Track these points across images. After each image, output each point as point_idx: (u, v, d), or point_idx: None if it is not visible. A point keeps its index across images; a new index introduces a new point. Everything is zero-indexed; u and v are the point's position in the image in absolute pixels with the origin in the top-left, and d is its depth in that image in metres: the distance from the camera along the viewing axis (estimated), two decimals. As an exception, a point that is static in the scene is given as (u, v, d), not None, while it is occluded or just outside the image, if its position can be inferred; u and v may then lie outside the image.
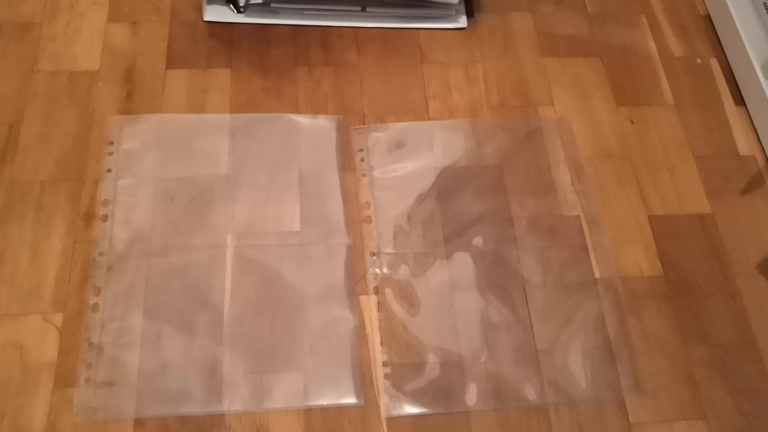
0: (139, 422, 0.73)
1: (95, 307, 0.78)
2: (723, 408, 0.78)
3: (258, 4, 1.01)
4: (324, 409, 0.75)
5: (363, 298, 0.81)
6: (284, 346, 0.78)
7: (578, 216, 0.89)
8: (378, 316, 0.80)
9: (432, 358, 0.78)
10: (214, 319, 0.78)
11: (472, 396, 0.77)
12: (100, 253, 0.81)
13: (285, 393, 0.75)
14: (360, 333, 0.79)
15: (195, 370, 0.76)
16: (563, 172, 0.92)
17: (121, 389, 0.74)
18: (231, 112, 0.92)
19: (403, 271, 0.83)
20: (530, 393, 0.77)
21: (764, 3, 1.00)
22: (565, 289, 0.84)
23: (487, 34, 1.04)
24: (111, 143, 0.88)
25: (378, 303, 0.81)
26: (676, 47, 1.05)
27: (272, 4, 1.01)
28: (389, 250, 0.85)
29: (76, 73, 0.94)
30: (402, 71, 0.99)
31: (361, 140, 0.92)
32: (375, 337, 0.79)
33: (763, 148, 0.97)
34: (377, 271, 0.83)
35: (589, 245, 0.87)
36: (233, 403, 0.74)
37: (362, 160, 0.90)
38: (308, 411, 0.75)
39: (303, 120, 0.93)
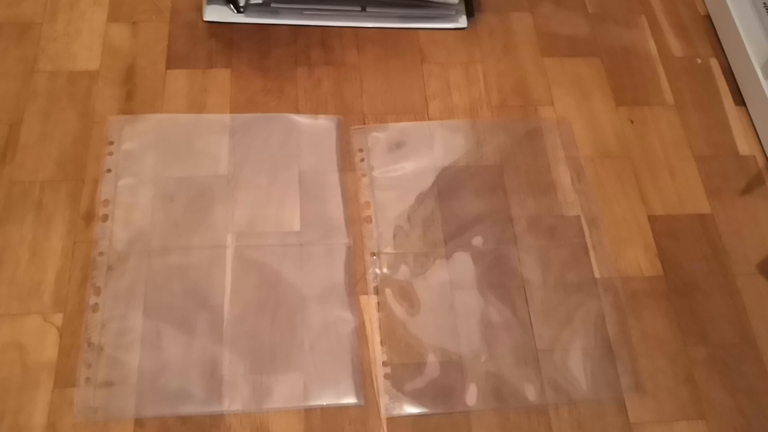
0: (139, 422, 0.73)
1: (95, 307, 0.78)
2: (723, 408, 0.78)
3: (258, 4, 1.01)
4: (324, 409, 0.75)
5: (363, 298, 0.82)
6: (284, 346, 0.78)
7: (578, 216, 0.89)
8: (378, 316, 0.81)
9: (432, 358, 0.78)
10: (214, 319, 0.78)
11: (472, 396, 0.77)
12: (100, 253, 0.81)
13: (285, 393, 0.75)
14: (360, 333, 0.79)
15: (195, 370, 0.76)
16: (563, 172, 0.92)
17: (121, 389, 0.74)
18: (231, 112, 0.92)
19: (403, 271, 0.83)
20: (530, 393, 0.77)
21: (764, 3, 1.00)
22: (565, 289, 0.84)
23: (487, 34, 1.04)
24: (111, 143, 0.89)
25: (378, 303, 0.81)
26: (676, 47, 1.05)
27: (272, 4, 1.01)
28: (389, 250, 0.85)
29: (76, 73, 0.94)
30: (402, 71, 0.99)
31: (361, 140, 0.92)
32: (375, 337, 0.79)
33: (763, 148, 0.97)
34: (377, 271, 0.83)
35: (589, 245, 0.87)
36: (233, 403, 0.74)
37: (362, 160, 0.91)
38: (308, 411, 0.75)
39: (303, 120, 0.93)
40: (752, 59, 0.98)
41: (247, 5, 1.00)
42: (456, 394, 0.77)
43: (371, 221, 0.86)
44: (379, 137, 0.92)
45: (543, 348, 0.80)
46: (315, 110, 0.94)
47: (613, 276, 0.85)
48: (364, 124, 0.94)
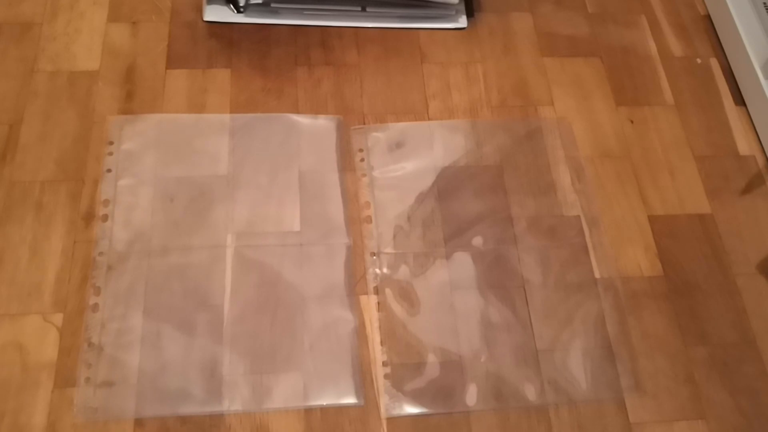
0: (139, 422, 0.73)
1: (95, 307, 0.78)
2: (723, 408, 0.78)
3: (258, 4, 1.01)
4: (324, 409, 0.75)
5: (363, 298, 0.82)
6: (284, 346, 0.78)
7: (578, 216, 0.89)
8: (378, 316, 0.80)
9: (432, 358, 0.78)
10: (214, 319, 0.78)
11: (472, 396, 0.77)
12: (100, 253, 0.81)
13: (285, 393, 0.75)
14: (360, 333, 0.79)
15: (195, 370, 0.76)
16: (563, 172, 0.92)
17: (121, 389, 0.74)
18: (231, 112, 0.92)
19: (403, 271, 0.83)
20: (530, 393, 0.77)
21: (764, 3, 1.00)
22: (565, 289, 0.84)
23: (487, 34, 1.04)
24: (111, 143, 0.89)
25: (378, 303, 0.81)
26: (676, 47, 1.05)
27: (272, 4, 1.01)
28: (389, 250, 0.85)
29: (76, 73, 0.94)
30: (402, 71, 0.99)
31: (361, 140, 0.92)
32: (375, 337, 0.79)
33: (763, 148, 0.97)
34: (377, 271, 0.83)
35: (589, 245, 0.87)
36: (233, 403, 0.74)
37: (362, 160, 0.91)
38: (308, 411, 0.75)
39: (303, 120, 0.93)
40: (752, 59, 0.98)
41: (247, 5, 1.00)
42: (456, 394, 0.77)
43: (371, 221, 0.86)
44: (379, 137, 0.92)
45: (543, 348, 0.80)
46: (315, 110, 0.94)
47: (613, 276, 0.85)
48: (364, 124, 0.94)
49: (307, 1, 1.01)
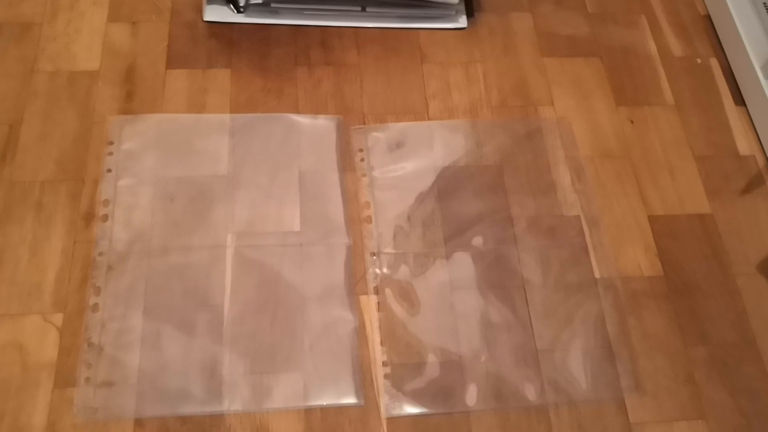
0: (139, 422, 0.73)
1: (95, 307, 0.78)
2: (723, 408, 0.78)
3: (258, 4, 1.01)
4: (324, 409, 0.75)
5: (363, 298, 0.82)
6: (284, 346, 0.78)
7: (578, 216, 0.89)
8: (378, 316, 0.81)
9: (432, 358, 0.78)
10: (214, 319, 0.78)
11: (472, 396, 0.77)
12: (100, 253, 0.81)
13: (285, 393, 0.75)
14: (360, 333, 0.79)
15: (195, 370, 0.76)
16: (563, 172, 0.92)
17: (121, 389, 0.74)
18: (231, 112, 0.92)
19: (403, 271, 0.83)
20: (530, 393, 0.77)
21: (764, 3, 1.00)
22: (565, 289, 0.84)
23: (487, 34, 1.04)
24: (111, 143, 0.89)
25: (378, 303, 0.81)
26: (676, 47, 1.05)
27: (272, 4, 1.01)
28: (389, 250, 0.85)
29: (76, 73, 0.94)
30: (402, 71, 0.99)
31: (361, 140, 0.92)
32: (375, 337, 0.79)
33: (763, 148, 0.97)
34: (377, 271, 0.83)
35: (589, 245, 0.87)
36: (233, 403, 0.74)
37: (362, 160, 0.91)
38: (308, 411, 0.75)
39: (303, 120, 0.93)
40: (752, 59, 0.98)
41: (247, 5, 1.01)
42: (456, 394, 0.77)
43: (371, 221, 0.86)
44: (379, 137, 0.92)
45: (543, 348, 0.80)
46: (315, 110, 0.94)
47: (613, 276, 0.85)
48: (364, 124, 0.94)
49: (307, 1, 1.01)
